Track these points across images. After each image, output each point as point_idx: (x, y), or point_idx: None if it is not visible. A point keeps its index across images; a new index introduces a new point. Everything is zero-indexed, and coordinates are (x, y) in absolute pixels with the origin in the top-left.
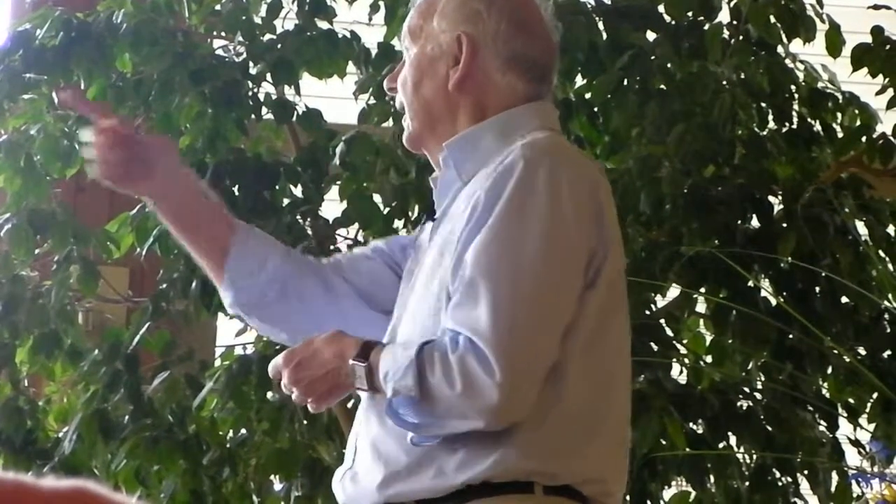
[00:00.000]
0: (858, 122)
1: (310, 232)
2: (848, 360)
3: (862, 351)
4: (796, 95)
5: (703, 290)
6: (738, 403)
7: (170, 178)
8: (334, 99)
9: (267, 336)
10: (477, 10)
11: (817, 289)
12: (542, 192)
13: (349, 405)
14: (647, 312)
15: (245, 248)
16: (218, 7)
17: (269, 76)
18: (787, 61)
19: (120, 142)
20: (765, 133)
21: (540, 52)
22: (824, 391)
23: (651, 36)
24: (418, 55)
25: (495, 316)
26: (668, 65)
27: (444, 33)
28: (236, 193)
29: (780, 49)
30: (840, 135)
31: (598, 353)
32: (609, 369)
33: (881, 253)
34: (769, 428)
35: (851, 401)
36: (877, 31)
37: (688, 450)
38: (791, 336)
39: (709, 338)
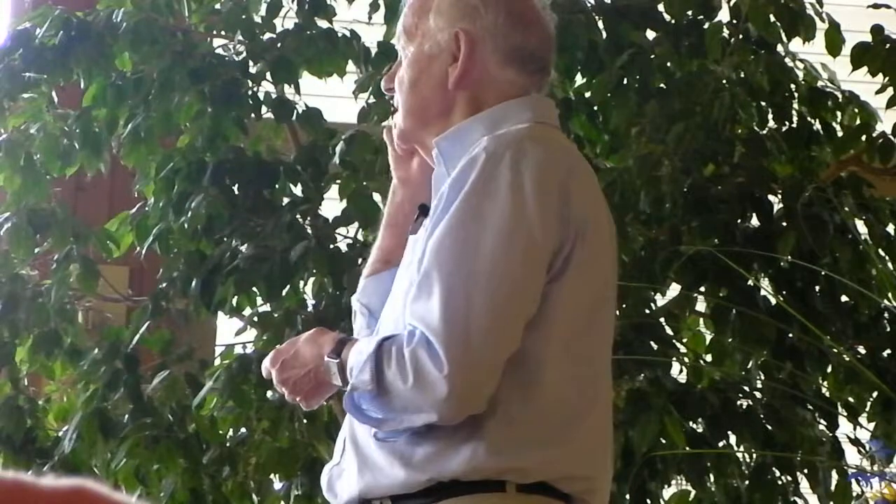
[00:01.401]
0: (858, 121)
1: (309, 231)
2: (848, 358)
3: (862, 350)
4: (796, 94)
5: (702, 288)
6: (738, 402)
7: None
8: (334, 98)
9: None
10: (473, 6)
11: (817, 287)
12: (501, 184)
13: None
14: (647, 311)
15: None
16: (218, 6)
17: (268, 75)
18: (787, 60)
19: None
20: (764, 132)
21: (538, 44)
22: (824, 390)
23: (651, 35)
24: (416, 54)
25: (445, 308)
26: (668, 64)
27: (441, 31)
28: (236, 192)
29: (779, 48)
30: (840, 133)
31: (581, 347)
32: (592, 364)
33: (881, 252)
34: (769, 427)
35: (851, 399)
36: (876, 29)
37: (687, 448)
38: (791, 335)
39: (708, 336)
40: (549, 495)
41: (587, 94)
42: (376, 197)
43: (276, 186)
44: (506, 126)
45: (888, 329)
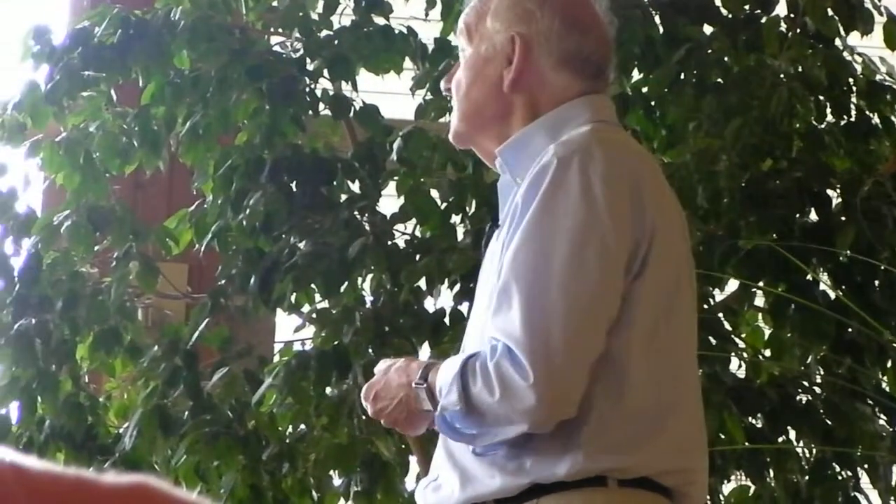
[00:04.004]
0: None
1: (367, 227)
2: None
3: None
4: (854, 88)
5: (761, 283)
6: (797, 397)
7: None
8: (391, 94)
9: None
10: (530, 10)
11: (876, 282)
12: (571, 191)
13: None
14: (706, 306)
15: None
16: (275, 3)
17: (325, 72)
18: (845, 54)
19: None
20: (822, 126)
21: (594, 49)
22: (884, 384)
23: (708, 29)
24: (473, 56)
25: (525, 319)
26: (725, 58)
27: (497, 34)
28: (294, 189)
29: (837, 42)
30: None
31: (662, 344)
32: (676, 359)
33: None
34: (828, 422)
35: None
36: None
37: (746, 444)
38: (850, 329)
39: (767, 331)
40: (651, 489)
41: (644, 90)
42: (434, 193)
43: (334, 183)
44: (567, 129)
45: None
